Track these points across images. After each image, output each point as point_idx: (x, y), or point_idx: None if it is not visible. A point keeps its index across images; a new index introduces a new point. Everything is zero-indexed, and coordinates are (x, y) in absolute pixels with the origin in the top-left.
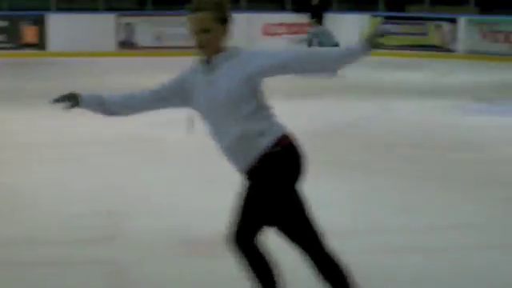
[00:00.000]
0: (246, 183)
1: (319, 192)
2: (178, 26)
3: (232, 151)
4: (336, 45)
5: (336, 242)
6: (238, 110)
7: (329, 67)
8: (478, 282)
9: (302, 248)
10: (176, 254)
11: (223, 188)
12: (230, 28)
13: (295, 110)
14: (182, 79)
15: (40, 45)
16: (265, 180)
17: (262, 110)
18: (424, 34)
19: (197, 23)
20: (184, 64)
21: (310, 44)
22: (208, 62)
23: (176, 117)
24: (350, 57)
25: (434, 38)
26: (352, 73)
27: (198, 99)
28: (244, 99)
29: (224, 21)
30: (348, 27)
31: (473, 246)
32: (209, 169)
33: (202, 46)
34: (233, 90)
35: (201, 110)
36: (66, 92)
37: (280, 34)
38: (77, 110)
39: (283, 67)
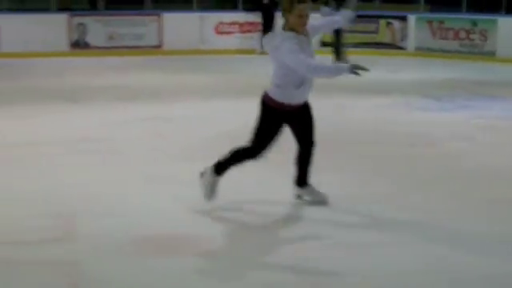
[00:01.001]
0: (296, 113)
1: (277, 189)
2: (129, 26)
3: (307, 91)
4: None
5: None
6: None
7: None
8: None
9: (312, 140)
10: (127, 253)
11: (177, 188)
12: None
13: (249, 108)
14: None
15: None
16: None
17: None
18: (375, 32)
19: (307, 10)
20: (135, 63)
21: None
22: (305, 34)
23: (127, 117)
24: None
25: (384, 36)
26: None
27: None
28: None
29: None
30: None
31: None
32: (157, 168)
33: (305, 24)
34: None
35: None
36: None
37: (232, 33)
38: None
39: (322, 29)
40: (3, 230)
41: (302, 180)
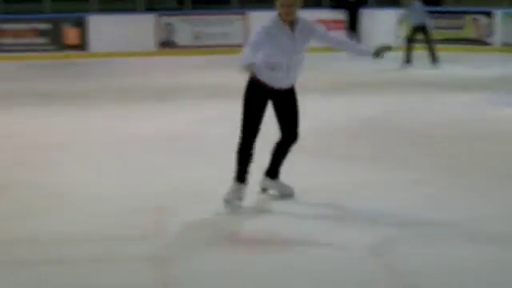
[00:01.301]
0: (280, 97)
1: (361, 185)
2: (215, 25)
3: (286, 77)
4: None
5: (371, 234)
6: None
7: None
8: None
9: (295, 131)
10: (217, 249)
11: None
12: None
13: (336, 105)
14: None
15: (81, 46)
16: (295, 93)
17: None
18: (460, 28)
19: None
20: (221, 62)
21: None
22: (291, 27)
23: (213, 115)
24: (363, 54)
25: (470, 32)
26: (390, 67)
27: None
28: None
29: None
30: (384, 23)
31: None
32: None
33: (288, 14)
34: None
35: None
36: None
37: None
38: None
39: (328, 41)
40: (93, 227)
41: (273, 172)
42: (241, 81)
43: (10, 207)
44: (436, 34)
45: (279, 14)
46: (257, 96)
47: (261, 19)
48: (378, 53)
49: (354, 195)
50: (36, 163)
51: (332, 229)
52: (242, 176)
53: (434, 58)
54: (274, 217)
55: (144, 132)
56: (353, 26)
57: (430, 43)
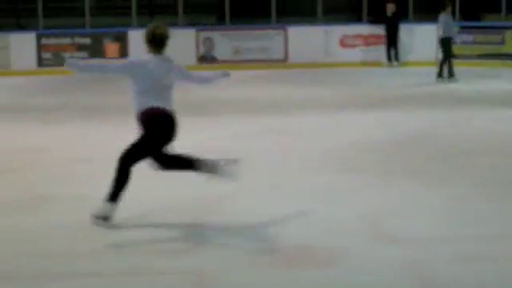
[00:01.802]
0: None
1: (399, 201)
2: (255, 40)
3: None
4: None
5: (410, 250)
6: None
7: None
8: None
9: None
10: (258, 264)
11: (306, 199)
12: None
13: (372, 121)
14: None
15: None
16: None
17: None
18: (501, 43)
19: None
20: (261, 76)
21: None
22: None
23: (253, 130)
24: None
25: (510, 47)
26: (429, 82)
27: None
28: None
29: None
30: (423, 37)
31: None
32: (289, 179)
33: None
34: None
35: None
36: None
37: (357, 46)
38: None
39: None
40: (131, 240)
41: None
42: (278, 96)
43: (47, 221)
44: (475, 49)
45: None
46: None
47: (300, 34)
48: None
49: (392, 211)
50: (73, 176)
51: (371, 243)
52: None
53: (450, 73)
54: (312, 231)
55: (183, 146)
56: (392, 41)
57: (448, 57)
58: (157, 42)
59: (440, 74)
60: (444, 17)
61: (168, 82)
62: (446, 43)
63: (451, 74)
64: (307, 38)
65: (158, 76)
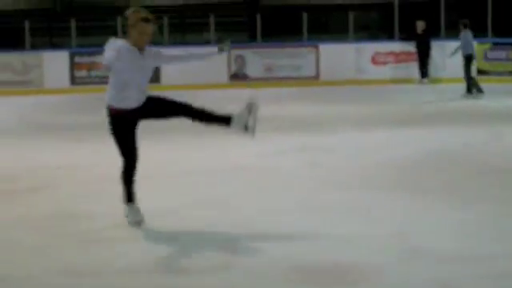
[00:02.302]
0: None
1: (430, 218)
2: (286, 58)
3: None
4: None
5: (443, 268)
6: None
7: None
8: None
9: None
10: (291, 281)
11: (337, 216)
12: None
13: (404, 138)
14: None
15: (155, 79)
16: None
17: None
18: None
19: (150, 30)
20: (292, 94)
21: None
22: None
23: (284, 148)
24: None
25: None
26: (460, 99)
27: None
28: None
29: None
30: (455, 54)
31: None
32: (319, 197)
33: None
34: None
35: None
36: None
37: (388, 63)
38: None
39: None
40: (163, 258)
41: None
42: (310, 113)
43: (77, 238)
44: (508, 66)
45: (133, 43)
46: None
47: (332, 51)
48: (222, 48)
49: (423, 228)
50: (105, 194)
51: (403, 261)
52: (131, 198)
53: (468, 90)
54: (343, 249)
55: (211, 163)
56: (423, 58)
57: (466, 74)
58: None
59: (469, 90)
60: (463, 35)
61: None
62: (465, 61)
63: (469, 90)
64: (339, 56)
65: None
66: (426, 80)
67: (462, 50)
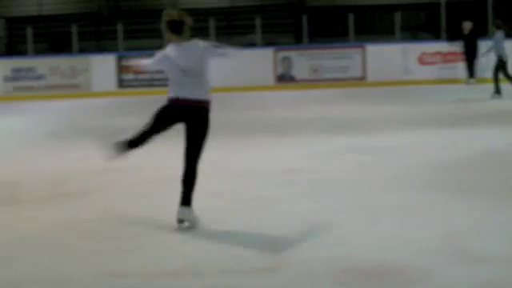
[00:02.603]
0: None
1: (479, 220)
2: (333, 59)
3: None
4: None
5: (494, 270)
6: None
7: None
8: None
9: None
10: (339, 283)
11: (385, 217)
12: None
13: (453, 138)
14: None
15: None
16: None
17: None
18: None
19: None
20: (339, 95)
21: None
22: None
23: (332, 149)
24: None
25: None
26: (507, 99)
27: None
28: None
29: None
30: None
31: None
32: (368, 198)
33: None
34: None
35: None
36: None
37: (435, 63)
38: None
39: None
40: (218, 259)
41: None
42: (357, 114)
43: (128, 242)
44: None
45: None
46: None
47: (379, 52)
48: None
49: (472, 230)
50: (151, 196)
51: (452, 263)
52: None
53: (495, 90)
54: (392, 250)
55: (260, 166)
56: (470, 58)
57: (495, 74)
58: (173, 29)
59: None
60: (496, 36)
61: (198, 69)
62: (497, 61)
63: (497, 91)
64: (385, 56)
65: (182, 63)
66: (473, 80)
67: (494, 51)
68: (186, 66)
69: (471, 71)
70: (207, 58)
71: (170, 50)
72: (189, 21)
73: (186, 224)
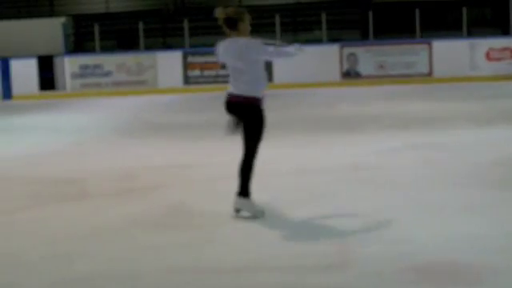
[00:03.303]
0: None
1: None
2: (399, 55)
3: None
4: None
5: None
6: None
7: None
8: None
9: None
10: (405, 281)
11: (452, 215)
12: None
13: (495, 136)
14: None
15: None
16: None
17: None
18: None
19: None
20: (405, 91)
21: None
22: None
23: (398, 145)
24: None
25: None
26: None
27: None
28: None
29: None
30: None
31: None
32: (433, 195)
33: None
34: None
35: None
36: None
37: (503, 59)
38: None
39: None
40: (282, 255)
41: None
42: (423, 111)
43: (196, 237)
44: None
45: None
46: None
47: (445, 48)
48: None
49: None
50: (216, 192)
51: None
52: (247, 191)
53: None
54: (459, 247)
55: (325, 162)
56: None
57: None
58: (226, 25)
59: None
60: None
61: (238, 65)
62: None
63: None
64: (452, 52)
65: (225, 60)
66: None
67: None
68: (227, 62)
69: None
70: (249, 56)
71: (219, 46)
72: (244, 18)
73: (244, 214)
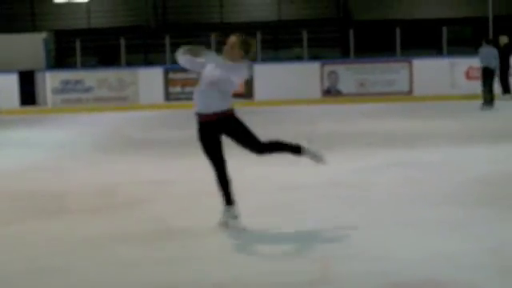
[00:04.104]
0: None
1: None
2: (379, 73)
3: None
4: None
5: None
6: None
7: None
8: None
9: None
10: None
11: (431, 232)
12: None
13: (499, 153)
14: None
15: (247, 94)
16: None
17: None
18: None
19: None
20: (386, 109)
21: None
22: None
23: (378, 163)
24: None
25: None
26: None
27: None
28: None
29: None
30: None
31: None
32: (414, 212)
33: None
34: None
35: None
36: None
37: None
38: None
39: None
40: (258, 272)
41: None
42: (403, 128)
43: (176, 253)
44: None
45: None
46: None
47: (425, 67)
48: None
49: None
50: (197, 209)
51: (501, 278)
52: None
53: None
54: (440, 265)
55: (305, 180)
56: (502, 73)
57: (483, 86)
58: (240, 48)
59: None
60: (482, 49)
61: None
62: (483, 73)
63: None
64: (432, 71)
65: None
66: (508, 96)
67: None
68: (208, 73)
69: (506, 86)
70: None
71: (213, 57)
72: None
73: (233, 224)
